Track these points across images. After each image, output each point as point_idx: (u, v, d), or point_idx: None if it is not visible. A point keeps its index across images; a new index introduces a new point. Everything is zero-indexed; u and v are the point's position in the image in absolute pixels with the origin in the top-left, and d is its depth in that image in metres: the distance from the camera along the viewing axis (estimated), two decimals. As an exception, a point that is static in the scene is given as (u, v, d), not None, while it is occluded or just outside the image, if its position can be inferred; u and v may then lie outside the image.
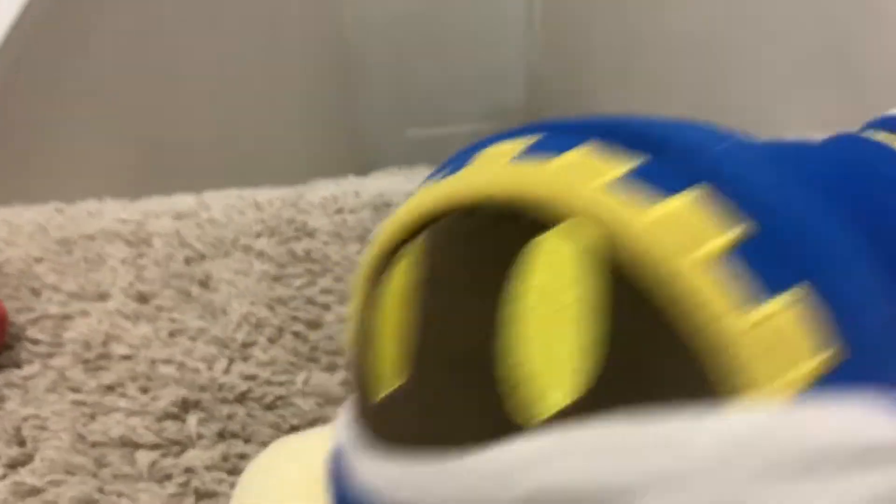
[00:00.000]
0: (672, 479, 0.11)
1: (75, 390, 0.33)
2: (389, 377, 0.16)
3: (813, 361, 0.12)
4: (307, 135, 1.55)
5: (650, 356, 0.13)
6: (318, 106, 1.71)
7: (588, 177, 0.14)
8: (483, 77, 2.23)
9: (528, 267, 0.14)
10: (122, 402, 0.32)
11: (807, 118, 0.72)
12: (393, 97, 2.36)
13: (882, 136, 0.18)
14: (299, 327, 0.35)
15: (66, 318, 0.35)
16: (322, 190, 0.41)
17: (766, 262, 0.13)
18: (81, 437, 0.31)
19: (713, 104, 0.93)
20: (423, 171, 0.44)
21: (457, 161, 0.18)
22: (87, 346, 0.34)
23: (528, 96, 2.24)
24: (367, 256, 0.18)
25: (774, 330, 0.12)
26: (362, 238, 0.38)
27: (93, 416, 0.32)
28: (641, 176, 0.14)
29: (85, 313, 0.35)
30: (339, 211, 0.40)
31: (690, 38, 0.97)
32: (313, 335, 0.34)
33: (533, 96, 2.23)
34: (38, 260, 0.37)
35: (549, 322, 0.13)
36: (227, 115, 1.02)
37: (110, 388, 0.33)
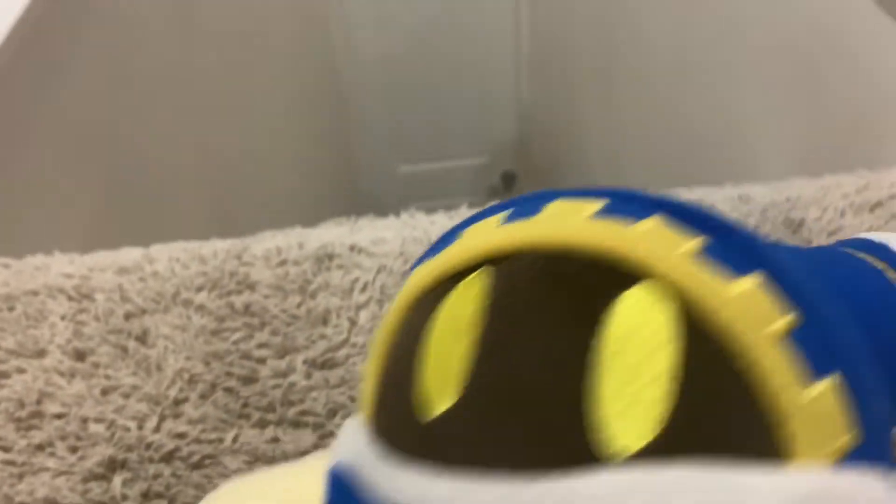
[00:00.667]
0: None
1: (6, 450, 0.33)
2: (440, 399, 0.17)
3: (845, 438, 0.15)
4: (301, 171, 1.57)
5: (723, 412, 0.14)
6: (312, 143, 1.74)
7: (670, 245, 0.16)
8: (473, 112, 2.25)
9: (616, 317, 0.15)
10: (51, 462, 0.32)
11: (777, 150, 0.72)
12: (386, 134, 2.39)
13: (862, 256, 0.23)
14: (232, 383, 0.35)
15: (3, 375, 0.35)
16: (268, 241, 0.42)
17: (812, 348, 0.15)
18: (9, 499, 0.31)
19: (692, 133, 0.94)
20: (367, 222, 0.44)
21: (520, 207, 0.20)
22: (20, 404, 0.34)
23: (518, 129, 2.25)
24: (412, 286, 0.19)
25: (824, 408, 0.15)
26: (303, 290, 0.38)
27: (20, 477, 0.32)
28: (712, 253, 0.16)
29: (21, 370, 0.36)
30: (283, 263, 0.40)
31: (669, 65, 0.97)
32: (245, 391, 0.34)
33: (523, 129, 2.25)
34: (-20, 316, 0.38)
35: (633, 370, 0.15)
36: (220, 154, 1.03)
37: (40, 448, 0.33)
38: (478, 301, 0.17)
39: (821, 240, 0.41)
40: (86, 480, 0.31)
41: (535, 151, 2.16)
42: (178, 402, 0.34)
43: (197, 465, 0.32)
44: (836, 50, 0.61)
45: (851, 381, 0.15)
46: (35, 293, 0.39)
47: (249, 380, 0.35)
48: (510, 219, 0.19)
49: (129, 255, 0.42)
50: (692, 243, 0.16)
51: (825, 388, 0.15)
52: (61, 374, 0.35)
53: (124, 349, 0.36)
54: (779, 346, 0.15)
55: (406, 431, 0.17)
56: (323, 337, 0.36)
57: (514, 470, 0.15)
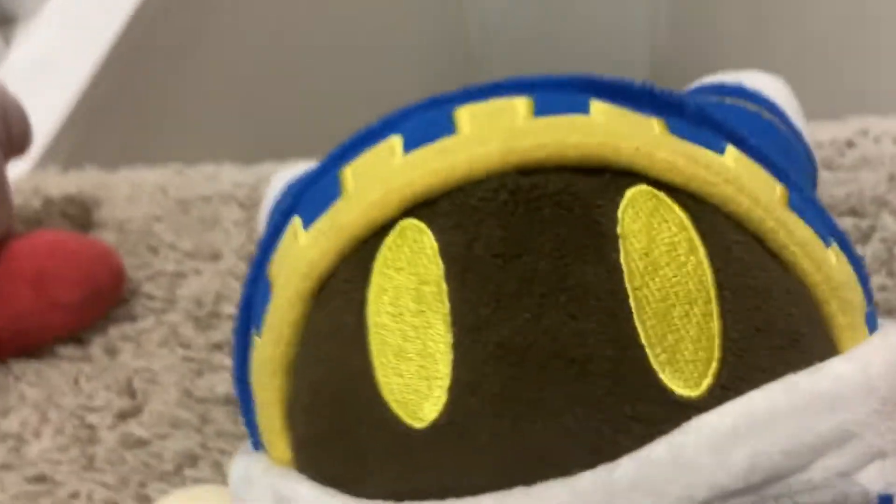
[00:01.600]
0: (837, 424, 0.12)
1: (185, 346, 0.33)
2: (422, 406, 0.12)
3: (864, 305, 0.15)
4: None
5: (771, 308, 0.13)
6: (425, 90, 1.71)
7: (639, 131, 0.14)
8: (605, 69, 2.16)
9: (629, 228, 0.13)
10: (228, 361, 0.32)
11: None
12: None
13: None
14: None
15: (181, 276, 0.35)
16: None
17: (808, 215, 0.14)
18: (188, 393, 0.31)
19: (839, 99, 0.85)
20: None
21: (417, 127, 0.15)
22: (198, 304, 0.34)
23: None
24: (301, 266, 0.14)
25: (845, 276, 0.14)
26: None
27: (200, 373, 0.32)
28: (679, 132, 0.14)
29: (199, 272, 0.36)
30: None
31: (820, 38, 0.88)
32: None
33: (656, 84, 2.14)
34: (158, 219, 0.38)
35: (670, 290, 0.12)
36: (342, 107, 1.03)
37: (218, 347, 0.33)
38: (432, 261, 0.13)
39: None
40: (263, 381, 0.31)
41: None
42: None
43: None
44: None
45: (841, 243, 0.15)
46: (208, 199, 0.39)
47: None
48: (413, 145, 0.14)
49: (297, 167, 0.41)
50: (656, 125, 0.14)
51: (837, 255, 0.14)
52: (236, 277, 0.35)
53: (296, 257, 0.36)
54: (792, 218, 0.14)
55: (383, 466, 0.13)
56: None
57: (588, 458, 0.11)
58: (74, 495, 0.28)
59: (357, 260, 0.14)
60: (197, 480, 0.28)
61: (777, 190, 0.14)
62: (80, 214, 0.39)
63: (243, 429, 0.29)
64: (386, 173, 0.14)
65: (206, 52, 0.62)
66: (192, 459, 0.29)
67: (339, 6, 0.94)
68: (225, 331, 0.33)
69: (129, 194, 0.40)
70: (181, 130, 0.60)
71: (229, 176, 0.41)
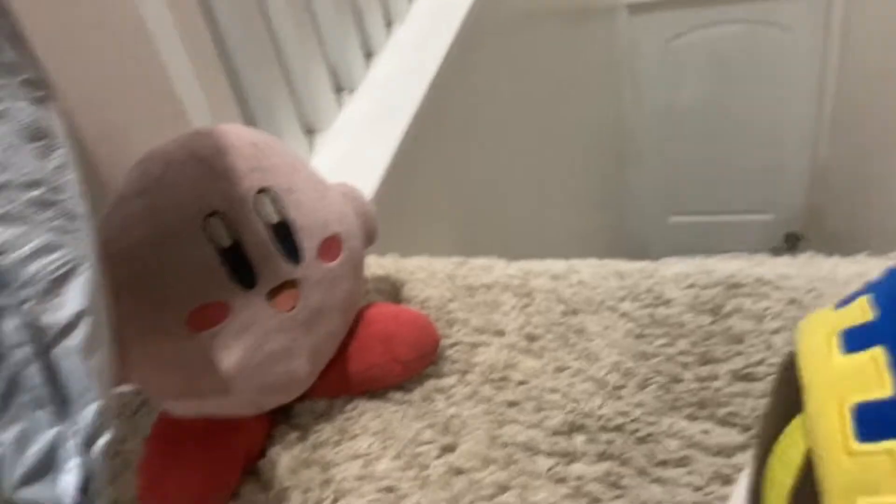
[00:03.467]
0: None
1: (486, 401, 0.42)
2: None
3: None
4: (572, 205, 1.66)
5: None
6: (586, 179, 1.81)
7: None
8: (759, 169, 2.17)
9: None
10: (522, 417, 0.41)
11: None
12: (661, 183, 2.39)
13: None
14: (662, 380, 0.41)
15: (475, 346, 0.46)
16: (673, 267, 0.48)
17: None
18: (494, 438, 0.40)
19: None
20: (765, 258, 0.48)
21: None
22: (492, 368, 0.44)
23: (809, 191, 2.12)
24: None
25: None
26: (715, 311, 0.44)
27: (501, 424, 0.41)
28: None
29: (487, 344, 0.46)
30: (691, 286, 0.46)
31: None
32: (675, 388, 0.41)
33: (815, 191, 2.11)
34: (451, 300, 0.49)
35: None
36: (518, 189, 1.15)
37: (511, 405, 0.42)
38: None
39: None
40: (552, 435, 0.40)
41: (828, 215, 2.03)
42: (617, 388, 0.41)
43: (641, 441, 0.39)
44: None
45: None
46: (488, 287, 0.49)
47: (677, 380, 0.41)
48: None
49: (556, 265, 0.51)
50: None
51: None
52: (518, 350, 0.45)
53: (566, 339, 0.45)
54: None
55: None
56: (739, 354, 0.42)
57: None
58: (416, 505, 0.38)
59: None
60: (507, 505, 0.37)
61: None
62: (390, 291, 0.51)
63: (541, 471, 0.37)
64: None
65: (441, 174, 0.76)
66: (504, 488, 0.38)
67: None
68: (515, 392, 0.42)
69: (424, 278, 0.51)
70: (405, 226, 0.73)
71: (500, 269, 0.51)
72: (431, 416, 0.42)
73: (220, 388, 0.38)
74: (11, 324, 0.22)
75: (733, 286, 0.45)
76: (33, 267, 0.23)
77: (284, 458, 0.41)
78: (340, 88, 0.76)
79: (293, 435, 0.42)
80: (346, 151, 0.68)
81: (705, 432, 0.39)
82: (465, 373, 0.44)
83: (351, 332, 0.43)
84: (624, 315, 0.45)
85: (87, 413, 0.23)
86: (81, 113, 0.28)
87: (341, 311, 0.41)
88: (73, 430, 0.23)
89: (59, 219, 0.24)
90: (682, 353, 0.42)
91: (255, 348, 0.38)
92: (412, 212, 0.72)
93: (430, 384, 0.44)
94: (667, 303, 0.45)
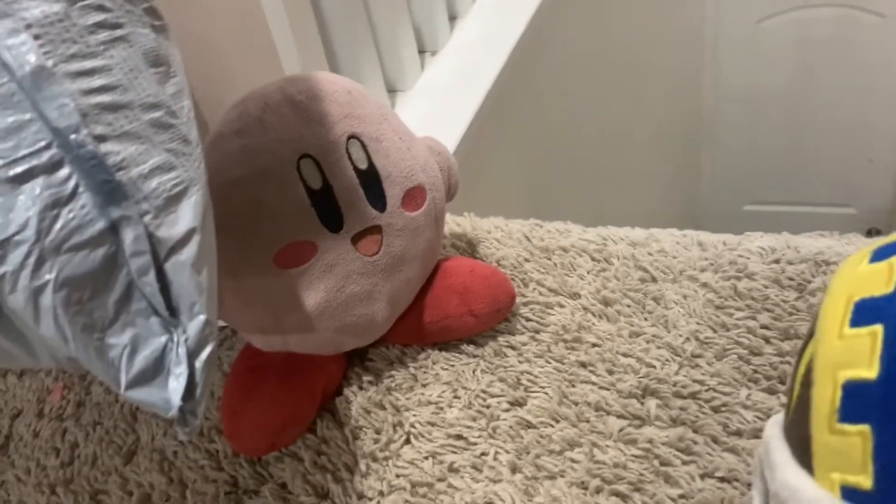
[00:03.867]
0: None
1: (558, 360, 0.43)
2: None
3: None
4: (647, 191, 1.62)
5: None
6: (662, 165, 1.77)
7: None
8: (843, 161, 2.07)
9: None
10: (594, 378, 0.41)
11: None
12: (738, 169, 2.30)
13: None
14: (741, 351, 0.40)
15: (549, 306, 0.46)
16: (757, 241, 0.47)
17: None
18: (565, 396, 0.40)
19: None
20: (854, 237, 0.46)
21: None
22: (565, 329, 0.44)
23: (894, 188, 2.01)
24: None
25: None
26: (801, 287, 0.43)
27: (572, 383, 0.41)
28: None
29: (562, 305, 0.46)
30: (777, 261, 0.45)
31: None
32: (754, 360, 0.40)
33: (902, 186, 1.99)
34: (527, 260, 0.49)
35: None
36: (592, 158, 1.14)
37: (583, 365, 0.42)
38: None
39: None
40: (624, 397, 0.40)
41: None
42: (694, 356, 0.41)
43: (716, 409, 0.38)
44: None
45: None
46: (565, 249, 0.49)
47: (757, 352, 0.40)
48: None
49: (636, 232, 0.50)
50: None
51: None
52: (593, 313, 0.45)
53: (643, 306, 0.44)
54: None
55: None
56: (824, 331, 0.40)
57: None
58: (484, 454, 0.39)
59: None
60: (575, 462, 0.37)
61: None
62: (466, 248, 0.51)
63: (612, 431, 0.37)
64: None
65: (515, 142, 0.75)
66: (573, 445, 0.38)
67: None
68: (588, 354, 0.42)
69: (500, 238, 0.52)
70: (479, 189, 0.73)
71: (577, 233, 0.51)
72: (502, 370, 0.43)
73: (303, 326, 0.39)
74: (132, 234, 0.23)
75: (821, 263, 0.44)
76: (152, 183, 0.24)
77: (359, 399, 0.42)
78: (423, 50, 0.77)
79: (367, 378, 0.43)
80: (426, 113, 0.68)
81: (784, 405, 0.38)
82: (537, 332, 0.44)
83: (428, 283, 0.44)
84: (705, 285, 0.45)
85: (195, 324, 0.24)
86: (184, 53, 0.30)
87: (421, 260, 0.42)
88: (181, 339, 0.24)
89: (175, 141, 0.25)
90: (763, 326, 0.42)
91: (337, 289, 0.39)
92: (486, 176, 0.73)
93: (502, 340, 0.44)
94: (750, 276, 0.44)
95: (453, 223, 0.53)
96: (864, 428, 0.22)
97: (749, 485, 0.35)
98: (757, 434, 0.37)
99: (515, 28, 0.79)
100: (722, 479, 0.35)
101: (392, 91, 0.71)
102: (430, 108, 0.69)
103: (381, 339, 0.44)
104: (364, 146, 0.40)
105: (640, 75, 1.43)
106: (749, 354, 0.40)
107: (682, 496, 0.35)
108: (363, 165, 0.40)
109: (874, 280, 0.25)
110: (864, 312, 0.24)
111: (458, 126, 0.66)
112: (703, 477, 0.36)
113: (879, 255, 0.26)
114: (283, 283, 0.38)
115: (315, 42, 0.54)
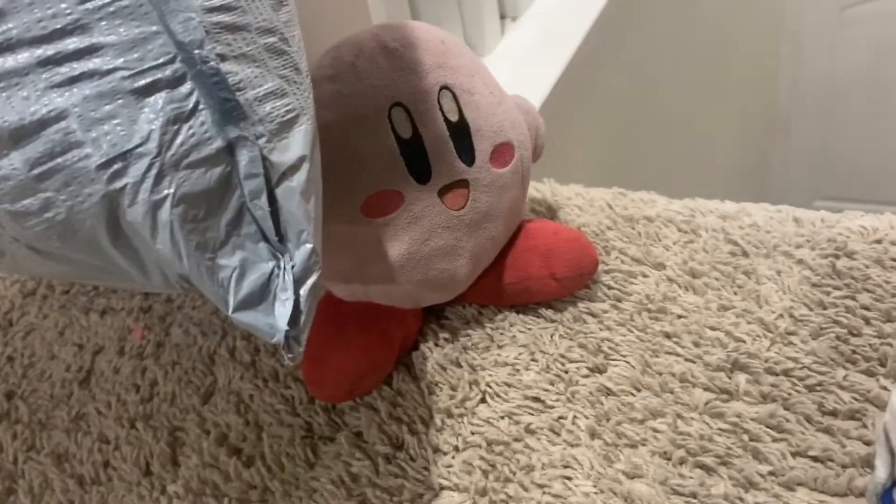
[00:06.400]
0: None
1: (640, 330, 0.41)
2: None
3: None
4: (720, 174, 1.57)
5: None
6: (735, 159, 1.71)
7: None
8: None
9: None
10: (679, 349, 0.40)
11: None
12: (811, 161, 2.22)
13: None
14: (839, 330, 0.38)
15: (632, 275, 0.44)
16: (858, 220, 0.44)
17: None
18: (648, 365, 0.39)
19: None
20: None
21: None
22: (649, 299, 0.43)
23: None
24: None
25: None
26: (906, 269, 0.40)
27: (655, 353, 0.40)
28: None
29: (646, 275, 0.44)
30: (880, 241, 0.42)
31: None
32: (853, 340, 0.38)
33: None
34: (609, 228, 0.48)
35: None
36: (674, 127, 1.11)
37: (668, 336, 0.41)
38: None
39: None
40: (712, 370, 0.38)
41: None
42: (788, 333, 0.39)
43: (811, 388, 0.36)
44: None
45: None
46: (650, 219, 0.48)
47: (856, 333, 0.38)
48: None
49: (726, 205, 0.48)
50: None
51: None
52: (679, 285, 0.43)
53: (733, 279, 0.43)
54: None
55: None
56: (933, 315, 0.38)
57: None
58: (562, 417, 0.38)
59: None
60: (658, 432, 0.36)
61: None
62: (546, 214, 0.50)
63: (697, 403, 0.36)
64: None
65: (593, 114, 0.74)
66: (656, 414, 0.37)
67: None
68: (674, 325, 0.41)
69: (581, 205, 0.50)
70: (557, 158, 0.72)
71: (663, 203, 0.49)
72: (582, 336, 0.42)
73: (385, 276, 0.39)
74: (247, 155, 0.23)
75: (930, 245, 0.41)
76: (267, 107, 0.24)
77: (436, 355, 0.42)
78: (504, 16, 0.75)
79: (444, 335, 0.43)
80: (505, 79, 0.67)
81: (884, 388, 0.36)
82: (619, 300, 0.43)
83: (510, 243, 0.43)
84: (800, 262, 0.43)
85: (302, 252, 0.24)
86: None
87: (505, 219, 0.41)
88: (288, 266, 0.24)
89: (288, 69, 0.25)
90: (864, 307, 0.39)
91: (421, 241, 0.38)
92: (564, 146, 0.71)
93: (583, 306, 0.43)
94: (850, 254, 0.42)
95: (533, 189, 0.52)
96: None
97: (844, 466, 0.33)
98: (854, 415, 0.35)
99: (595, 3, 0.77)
100: (815, 459, 0.34)
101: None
102: (508, 74, 0.68)
103: (460, 298, 0.43)
104: (455, 98, 0.39)
105: (720, 58, 1.38)
106: (847, 334, 0.38)
107: (771, 473, 0.34)
108: (454, 117, 0.39)
109: None
110: None
111: (535, 94, 0.65)
112: (794, 455, 0.34)
113: None
114: (368, 231, 0.38)
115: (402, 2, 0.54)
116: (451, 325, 0.44)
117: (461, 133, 0.39)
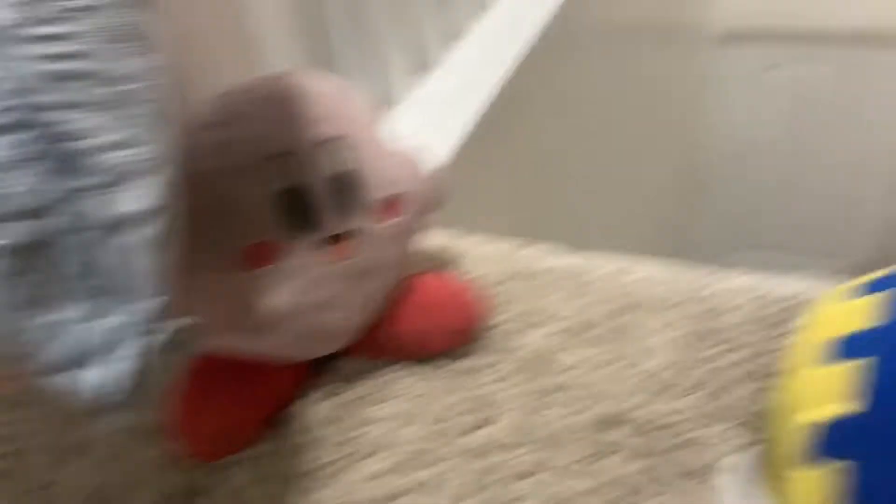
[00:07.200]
0: None
1: (527, 383, 0.41)
2: None
3: None
4: (639, 229, 1.62)
5: None
6: (657, 210, 1.78)
7: None
8: (831, 214, 2.08)
9: None
10: (563, 403, 0.40)
11: None
12: (729, 218, 2.32)
13: None
14: (718, 386, 0.39)
15: (521, 328, 0.45)
16: (739, 278, 0.46)
17: None
18: (531, 420, 0.39)
19: None
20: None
21: None
22: (537, 352, 0.43)
23: (883, 244, 2.02)
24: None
25: None
26: (779, 326, 0.42)
27: (539, 408, 0.40)
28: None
29: (536, 328, 0.44)
30: (758, 298, 0.44)
31: None
32: (730, 396, 0.39)
33: (890, 245, 2.01)
34: (504, 280, 0.48)
35: None
36: (592, 187, 1.14)
37: (553, 390, 0.41)
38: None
39: None
40: (593, 424, 0.38)
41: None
42: (669, 387, 0.40)
43: (689, 443, 0.37)
44: None
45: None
46: (547, 271, 0.48)
47: (732, 388, 0.39)
48: None
49: (619, 259, 0.49)
50: None
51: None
52: (569, 337, 0.43)
53: (622, 332, 0.43)
54: None
55: None
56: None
57: None
58: (445, 473, 0.37)
59: None
60: (540, 484, 0.36)
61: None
62: (442, 264, 0.50)
63: (584, 454, 0.36)
64: None
65: (507, 167, 0.75)
66: (536, 470, 0.37)
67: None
68: (561, 377, 0.41)
69: (482, 255, 0.50)
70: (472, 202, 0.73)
71: (562, 255, 0.50)
72: (470, 389, 0.41)
73: (265, 328, 0.38)
74: (85, 206, 0.22)
75: (803, 303, 0.43)
76: (117, 156, 0.23)
77: (323, 408, 0.41)
78: (420, 63, 0.76)
79: (332, 387, 0.42)
80: (418, 127, 0.68)
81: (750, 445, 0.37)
82: (508, 353, 0.43)
83: (399, 296, 0.43)
84: (686, 317, 0.44)
85: (151, 307, 0.23)
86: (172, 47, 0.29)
87: (392, 271, 0.41)
88: (135, 321, 0.23)
89: (145, 118, 0.24)
90: (739, 362, 0.41)
91: (303, 293, 0.38)
92: (477, 194, 0.72)
93: (473, 359, 0.43)
94: (732, 311, 0.43)
95: (435, 236, 0.52)
96: (843, 464, 0.21)
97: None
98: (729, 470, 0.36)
99: (515, 50, 0.79)
100: (689, 516, 0.34)
101: (385, 102, 0.70)
102: (423, 122, 0.69)
103: (344, 351, 0.42)
104: (345, 149, 0.39)
105: (643, 110, 1.44)
106: (725, 390, 0.39)
107: (645, 531, 0.34)
108: (341, 168, 0.39)
109: (851, 317, 0.26)
110: (844, 348, 0.25)
111: (449, 142, 0.65)
112: (669, 512, 0.34)
113: (859, 292, 0.27)
114: (247, 282, 0.37)
115: (314, 43, 0.54)
116: (340, 377, 0.43)
117: (347, 185, 0.39)
